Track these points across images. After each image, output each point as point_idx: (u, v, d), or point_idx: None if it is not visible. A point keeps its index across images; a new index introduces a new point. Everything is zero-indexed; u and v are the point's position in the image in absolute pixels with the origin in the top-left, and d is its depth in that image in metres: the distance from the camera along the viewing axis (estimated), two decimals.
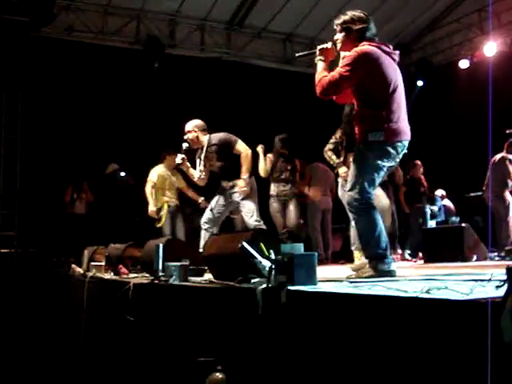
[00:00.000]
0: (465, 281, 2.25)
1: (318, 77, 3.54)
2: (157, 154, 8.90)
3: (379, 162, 3.45)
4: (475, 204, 9.06)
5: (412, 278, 2.99)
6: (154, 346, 3.72)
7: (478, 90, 7.03)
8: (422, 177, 9.08)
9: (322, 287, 2.46)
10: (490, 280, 1.93)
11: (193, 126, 5.74)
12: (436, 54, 11.65)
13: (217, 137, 5.67)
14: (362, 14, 3.61)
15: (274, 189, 7.70)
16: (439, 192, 10.17)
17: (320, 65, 3.59)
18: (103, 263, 5.40)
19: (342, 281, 3.00)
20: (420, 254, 7.50)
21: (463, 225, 6.57)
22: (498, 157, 8.22)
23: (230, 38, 10.59)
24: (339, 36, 3.63)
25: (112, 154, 10.27)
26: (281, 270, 2.55)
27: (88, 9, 9.45)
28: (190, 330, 3.27)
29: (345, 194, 6.01)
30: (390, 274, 3.32)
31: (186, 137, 5.73)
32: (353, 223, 5.96)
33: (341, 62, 3.54)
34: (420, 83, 11.54)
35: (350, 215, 3.78)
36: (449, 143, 10.28)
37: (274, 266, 2.59)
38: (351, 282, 2.77)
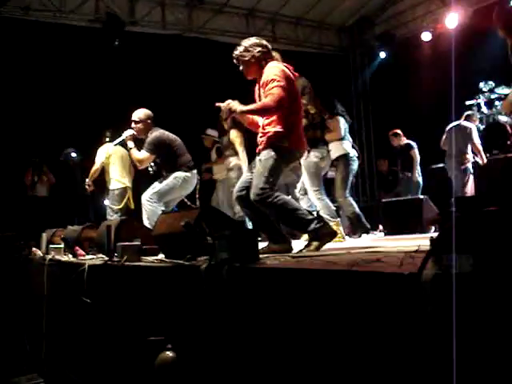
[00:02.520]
0: (398, 253, 2.28)
1: (258, 107, 3.79)
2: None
3: (283, 164, 3.72)
4: (436, 176, 9.16)
5: (355, 251, 3.03)
6: (109, 327, 3.72)
7: (440, 63, 7.04)
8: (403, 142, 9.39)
9: (263, 263, 2.47)
10: (416, 251, 1.96)
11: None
12: (399, 26, 11.64)
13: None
14: (256, 40, 3.82)
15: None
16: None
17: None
18: (62, 246, 5.35)
19: (284, 255, 3.01)
20: (380, 227, 7.57)
21: (422, 197, 6.63)
22: (456, 124, 8.24)
23: (191, 15, 10.44)
24: (242, 66, 3.86)
25: (72, 134, 10.09)
26: (223, 247, 2.56)
27: None
28: (142, 309, 3.27)
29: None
30: (331, 234, 3.43)
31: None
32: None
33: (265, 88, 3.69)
34: (383, 55, 11.61)
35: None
36: (412, 116, 10.34)
37: (217, 244, 2.60)
38: (294, 257, 2.79)
